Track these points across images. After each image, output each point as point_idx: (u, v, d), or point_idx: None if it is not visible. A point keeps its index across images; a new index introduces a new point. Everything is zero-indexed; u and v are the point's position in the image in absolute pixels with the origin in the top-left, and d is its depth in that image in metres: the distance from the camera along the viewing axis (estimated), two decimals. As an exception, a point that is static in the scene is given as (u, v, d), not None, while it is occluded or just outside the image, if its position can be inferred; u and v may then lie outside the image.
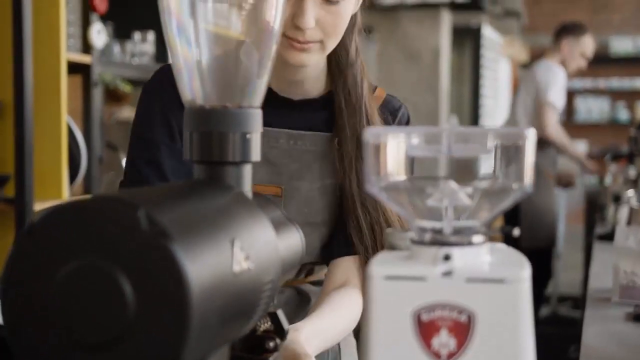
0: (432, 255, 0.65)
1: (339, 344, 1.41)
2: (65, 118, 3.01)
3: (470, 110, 7.01)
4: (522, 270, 0.64)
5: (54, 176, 2.99)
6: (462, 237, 0.66)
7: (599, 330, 1.58)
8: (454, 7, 5.85)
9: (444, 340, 0.64)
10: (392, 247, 0.72)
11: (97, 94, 3.38)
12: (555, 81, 4.55)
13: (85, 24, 3.29)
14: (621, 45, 8.94)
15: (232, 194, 0.72)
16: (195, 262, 0.57)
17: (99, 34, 3.31)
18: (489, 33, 7.06)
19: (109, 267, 0.56)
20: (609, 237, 2.70)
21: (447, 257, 0.65)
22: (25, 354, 0.59)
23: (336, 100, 1.41)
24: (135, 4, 3.74)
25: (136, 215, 0.56)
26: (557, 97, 4.55)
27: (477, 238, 0.67)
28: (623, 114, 9.07)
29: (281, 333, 0.82)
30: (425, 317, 0.64)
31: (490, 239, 0.69)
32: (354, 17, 1.38)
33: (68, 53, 3.07)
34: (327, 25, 1.28)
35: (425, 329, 0.64)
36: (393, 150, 0.68)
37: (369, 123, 1.39)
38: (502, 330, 0.64)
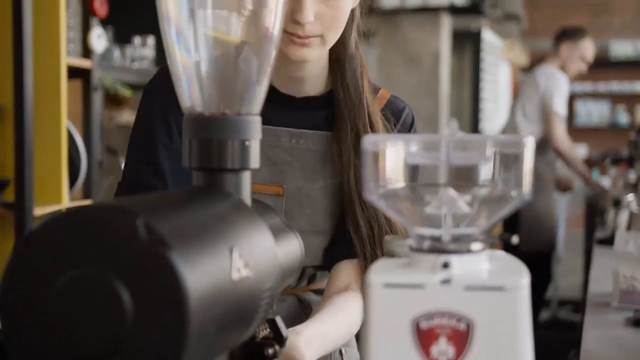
0: (431, 263, 0.65)
1: (340, 349, 1.41)
2: (65, 122, 3.01)
3: (471, 114, 7.01)
4: (521, 277, 0.64)
5: (54, 181, 2.98)
6: (460, 244, 0.66)
7: (598, 335, 1.58)
8: (454, 11, 5.85)
9: (442, 348, 0.64)
10: (391, 254, 0.72)
11: (97, 99, 3.38)
12: (559, 90, 4.55)
13: (85, 29, 3.29)
14: (621, 49, 8.93)
15: (231, 201, 0.72)
16: (194, 270, 0.57)
17: (99, 39, 3.31)
18: (489, 37, 7.06)
19: (107, 276, 0.56)
20: (609, 241, 2.70)
21: (445, 265, 0.65)
22: (23, 363, 0.59)
23: (336, 94, 1.41)
24: (135, 9, 3.74)
25: (135, 223, 0.56)
26: (562, 106, 4.56)
27: (476, 245, 0.66)
28: (623, 118, 9.07)
29: (280, 340, 0.81)
30: (424, 325, 0.64)
31: (491, 245, 0.69)
32: (353, 12, 1.38)
33: (68, 57, 3.07)
34: (327, 19, 1.28)
35: (424, 337, 0.64)
36: (392, 158, 0.68)
37: (369, 118, 1.39)
38: (501, 338, 0.64)
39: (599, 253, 2.85)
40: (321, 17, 1.27)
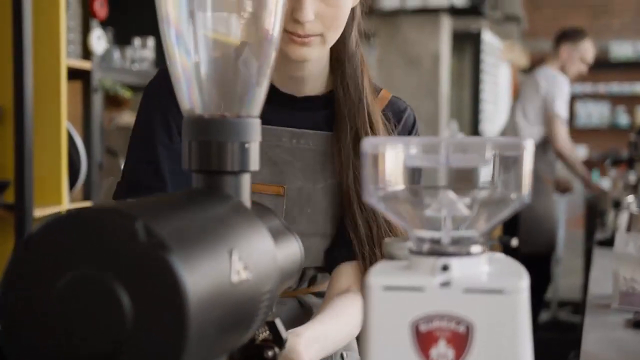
0: (431, 266, 0.65)
1: (342, 352, 1.40)
2: (65, 124, 3.01)
3: (471, 115, 7.01)
4: (521, 280, 0.64)
5: (54, 182, 2.99)
6: (460, 247, 0.66)
7: (598, 337, 1.58)
8: (454, 13, 5.85)
9: (442, 351, 0.64)
10: (391, 257, 0.72)
11: (97, 100, 3.38)
12: (560, 93, 4.55)
13: (86, 30, 3.29)
14: (621, 50, 8.93)
15: (230, 203, 0.72)
16: (193, 273, 0.57)
17: (99, 40, 3.31)
18: (489, 38, 7.06)
19: (107, 278, 0.56)
20: (608, 242, 2.70)
21: (445, 268, 0.65)
22: (23, 365, 0.59)
23: (336, 93, 1.40)
24: (135, 10, 3.74)
25: (134, 226, 0.56)
26: (563, 108, 4.57)
27: (475, 248, 0.66)
28: (623, 119, 9.07)
29: (280, 342, 0.81)
30: (423, 328, 0.64)
31: (491, 248, 0.69)
32: (353, 11, 1.38)
33: (68, 59, 3.07)
34: (327, 18, 1.28)
35: (424, 340, 0.64)
36: (391, 160, 0.68)
37: (369, 118, 1.38)
38: (501, 341, 0.64)
39: (599, 254, 2.85)
40: (321, 16, 1.27)
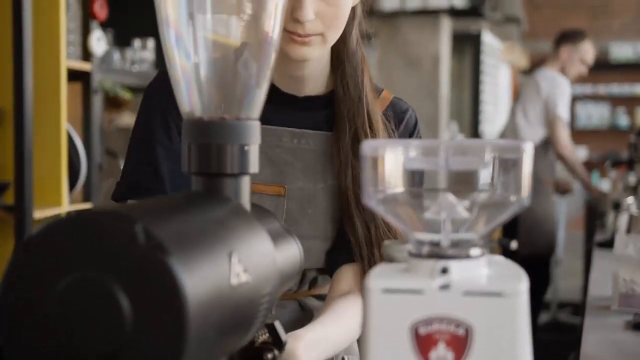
0: (430, 268, 0.65)
1: (343, 356, 1.39)
2: (65, 125, 3.01)
3: (470, 116, 7.01)
4: (520, 283, 0.64)
5: (54, 183, 2.99)
6: (459, 250, 0.66)
7: (598, 339, 1.58)
8: (454, 14, 5.85)
9: (441, 354, 0.64)
10: (390, 259, 0.72)
11: (97, 102, 3.38)
12: (562, 95, 4.56)
13: (85, 32, 3.29)
14: (621, 51, 8.94)
15: (230, 206, 0.72)
16: (193, 276, 0.57)
17: (99, 42, 3.31)
18: (489, 39, 7.06)
19: (106, 281, 0.56)
20: (608, 244, 2.70)
21: (444, 270, 0.65)
22: (22, 368, 0.59)
23: (336, 93, 1.40)
24: (135, 11, 3.74)
25: (134, 229, 0.56)
26: (565, 111, 4.57)
27: (474, 251, 0.66)
28: (623, 120, 9.07)
29: (279, 344, 0.81)
30: (422, 331, 0.64)
31: (491, 250, 0.69)
32: (354, 10, 1.38)
33: (68, 60, 3.08)
34: (327, 17, 1.27)
35: (423, 343, 0.64)
36: (391, 163, 0.68)
37: (368, 117, 1.38)
38: (500, 344, 0.64)
39: (598, 256, 2.85)
40: (321, 15, 1.26)
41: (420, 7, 5.59)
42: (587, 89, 8.90)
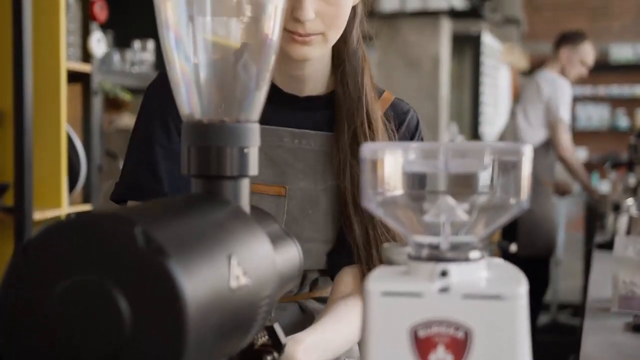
0: (429, 271, 0.65)
1: (343, 358, 1.39)
2: (64, 127, 3.01)
3: (470, 117, 7.01)
4: (519, 286, 0.64)
5: (54, 185, 2.99)
6: (459, 252, 0.66)
7: (598, 341, 1.58)
8: (454, 15, 5.85)
9: (440, 357, 0.64)
10: (390, 262, 0.72)
11: (97, 103, 3.38)
12: (563, 97, 4.56)
13: (85, 33, 3.29)
14: (621, 52, 8.94)
15: (229, 208, 0.72)
16: (192, 279, 0.57)
17: (98, 43, 3.31)
18: (488, 40, 7.07)
19: (105, 284, 0.56)
20: (608, 245, 2.70)
21: (444, 273, 0.65)
22: (21, 371, 0.59)
23: (336, 92, 1.39)
24: (135, 13, 3.74)
25: (133, 232, 0.56)
26: (567, 114, 4.57)
27: (474, 254, 0.66)
28: (623, 121, 9.08)
29: (278, 347, 0.81)
30: (422, 334, 0.64)
31: (491, 254, 0.69)
32: (355, 9, 1.37)
33: (68, 62, 3.08)
34: (328, 16, 1.26)
35: (422, 346, 0.64)
36: (390, 166, 0.68)
37: (367, 116, 1.37)
38: (499, 347, 0.64)
39: (598, 257, 2.85)
40: (322, 14, 1.26)
41: (420, 8, 5.59)
42: (587, 90, 8.90)
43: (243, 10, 0.77)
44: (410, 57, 5.64)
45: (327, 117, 1.40)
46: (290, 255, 0.83)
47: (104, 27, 3.46)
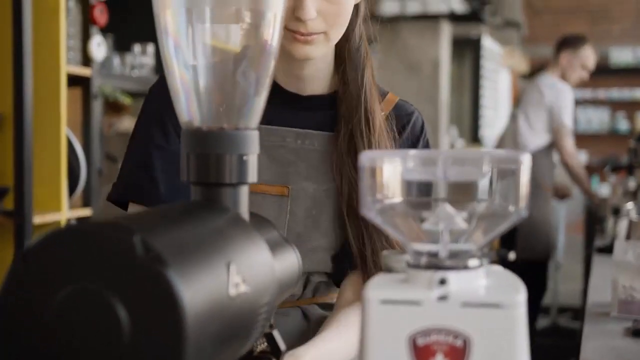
0: (428, 279, 0.65)
1: None
2: (64, 130, 3.01)
3: (470, 120, 7.02)
4: (518, 294, 0.64)
5: (54, 188, 2.99)
6: (458, 260, 0.66)
7: (597, 345, 1.58)
8: (454, 19, 5.86)
9: (439, 365, 0.64)
10: (389, 269, 0.72)
11: (97, 107, 3.38)
12: (565, 103, 4.56)
13: (85, 37, 3.29)
14: (621, 55, 8.94)
15: (228, 215, 0.72)
16: (191, 287, 0.57)
17: (99, 47, 3.31)
18: (489, 44, 7.07)
19: (104, 293, 0.56)
20: (608, 249, 2.70)
21: (442, 281, 0.65)
22: (20, 379, 0.59)
23: (338, 91, 1.39)
24: (135, 17, 3.74)
25: (132, 240, 0.56)
26: (570, 119, 4.58)
27: (473, 262, 0.66)
28: (623, 125, 9.07)
29: (277, 354, 0.81)
30: (420, 342, 0.64)
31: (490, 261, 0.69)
32: (357, 7, 1.36)
33: (68, 66, 3.08)
34: (329, 15, 1.25)
35: (421, 354, 0.64)
36: (389, 174, 0.68)
37: (366, 115, 1.36)
38: (498, 355, 0.64)
39: (598, 261, 2.85)
40: (323, 13, 1.25)
41: (421, 12, 5.60)
42: (587, 93, 8.90)
43: (242, 17, 0.77)
44: (410, 61, 5.64)
45: (329, 117, 1.38)
46: (289, 262, 0.83)
47: (104, 30, 3.46)
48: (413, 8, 5.58)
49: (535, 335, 4.37)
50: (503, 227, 0.69)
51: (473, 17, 6.15)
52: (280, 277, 0.77)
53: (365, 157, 0.69)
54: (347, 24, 1.31)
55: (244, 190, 0.75)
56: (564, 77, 4.70)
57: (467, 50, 6.90)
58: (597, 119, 9.15)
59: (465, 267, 0.66)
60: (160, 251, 0.56)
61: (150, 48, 3.90)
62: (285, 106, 1.36)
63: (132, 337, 0.56)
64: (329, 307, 1.42)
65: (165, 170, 1.30)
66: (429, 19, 5.61)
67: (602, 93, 9.05)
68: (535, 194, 4.30)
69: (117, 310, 0.56)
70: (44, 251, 0.58)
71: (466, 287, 0.65)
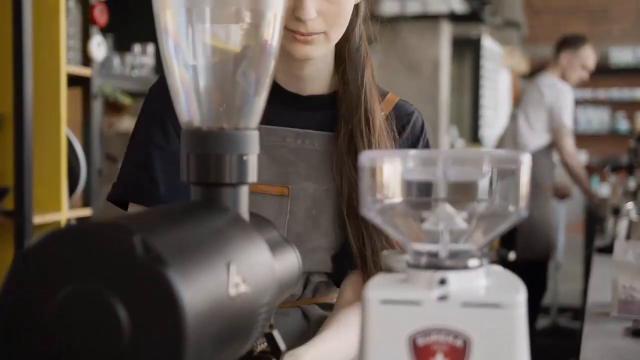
0: (428, 279, 0.65)
1: None
2: (64, 130, 3.01)
3: (470, 120, 7.02)
4: (518, 294, 0.64)
5: (54, 188, 2.99)
6: (458, 260, 0.66)
7: (597, 345, 1.58)
8: (454, 19, 5.86)
9: (439, 365, 0.64)
10: (389, 269, 0.72)
11: (97, 107, 3.38)
12: (565, 103, 4.56)
13: (85, 37, 3.29)
14: (621, 56, 8.94)
15: (228, 215, 0.72)
16: (191, 288, 0.57)
17: (99, 47, 3.31)
18: (489, 44, 7.07)
19: (104, 293, 0.56)
20: (608, 249, 2.70)
21: (442, 281, 0.65)
22: (20, 380, 0.59)
23: (338, 91, 1.38)
24: (135, 17, 3.74)
25: (132, 240, 0.56)
26: (570, 119, 4.58)
27: (473, 262, 0.66)
28: (623, 125, 9.07)
29: (277, 354, 0.81)
30: (420, 342, 0.64)
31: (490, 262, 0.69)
32: (357, 7, 1.36)
33: (68, 66, 3.08)
34: (329, 15, 1.25)
35: (421, 354, 0.64)
36: (389, 174, 0.68)
37: (365, 114, 1.35)
38: (498, 355, 0.64)
39: (598, 261, 2.85)
40: (323, 13, 1.25)
41: (421, 11, 5.59)
42: (587, 93, 8.90)
43: (242, 17, 0.77)
44: (410, 61, 5.64)
45: (329, 117, 1.38)
46: (289, 262, 0.83)
47: (104, 30, 3.46)
48: (413, 8, 5.58)
49: (535, 335, 4.37)
50: (503, 227, 0.69)
51: (473, 17, 6.15)
52: (280, 277, 0.77)
53: (365, 157, 0.69)
54: (347, 24, 1.31)
55: (244, 190, 0.75)
56: (564, 77, 4.69)
57: (467, 50, 6.90)
58: (597, 119, 9.15)
59: (465, 267, 0.66)
60: (160, 251, 0.56)
61: (150, 48, 3.90)
62: (285, 106, 1.36)
63: (132, 337, 0.56)
64: (329, 307, 1.42)
65: (165, 170, 1.30)
66: (429, 19, 5.61)
67: (602, 93, 9.05)
68: (535, 194, 4.30)
69: (117, 311, 0.56)
70: (44, 251, 0.58)
71: (466, 287, 0.65)
